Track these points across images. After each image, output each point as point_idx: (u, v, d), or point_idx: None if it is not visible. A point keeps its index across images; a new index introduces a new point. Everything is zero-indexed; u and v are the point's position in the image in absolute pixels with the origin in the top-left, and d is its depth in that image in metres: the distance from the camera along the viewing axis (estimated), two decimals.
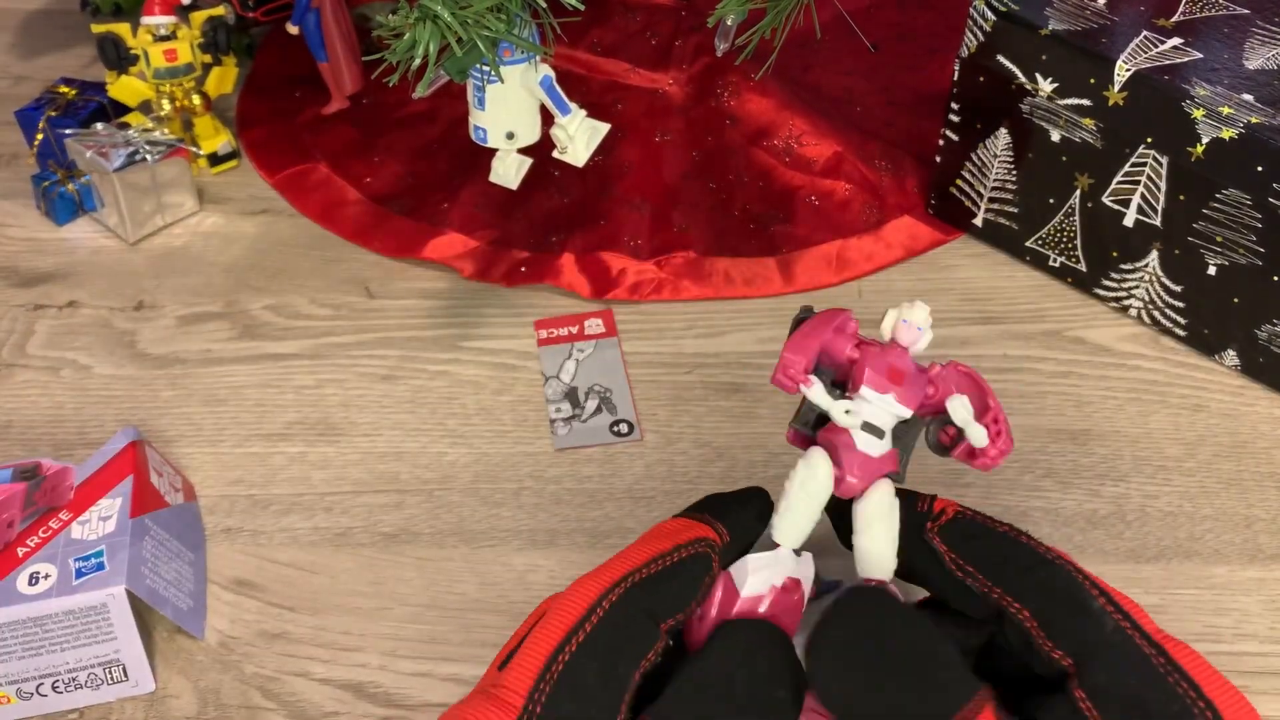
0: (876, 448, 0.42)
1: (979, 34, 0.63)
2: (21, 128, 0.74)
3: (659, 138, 0.74)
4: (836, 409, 0.42)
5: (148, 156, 0.68)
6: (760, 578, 0.40)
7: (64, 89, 0.75)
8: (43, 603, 0.47)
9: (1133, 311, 0.65)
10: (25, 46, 0.87)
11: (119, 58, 0.71)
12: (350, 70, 0.75)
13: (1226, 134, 0.57)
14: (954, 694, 0.35)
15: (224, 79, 0.74)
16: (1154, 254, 0.63)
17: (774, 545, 0.42)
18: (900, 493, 0.43)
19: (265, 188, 0.75)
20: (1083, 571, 0.39)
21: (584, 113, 0.58)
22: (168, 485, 0.55)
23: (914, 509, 0.43)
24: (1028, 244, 0.68)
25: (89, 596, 0.47)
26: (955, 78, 0.66)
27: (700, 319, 0.66)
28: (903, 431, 0.44)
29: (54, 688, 0.49)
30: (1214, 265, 0.60)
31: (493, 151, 0.60)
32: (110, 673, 0.49)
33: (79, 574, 0.48)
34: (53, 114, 0.72)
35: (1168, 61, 0.59)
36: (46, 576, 0.48)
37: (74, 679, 0.49)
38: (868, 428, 0.42)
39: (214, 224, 0.73)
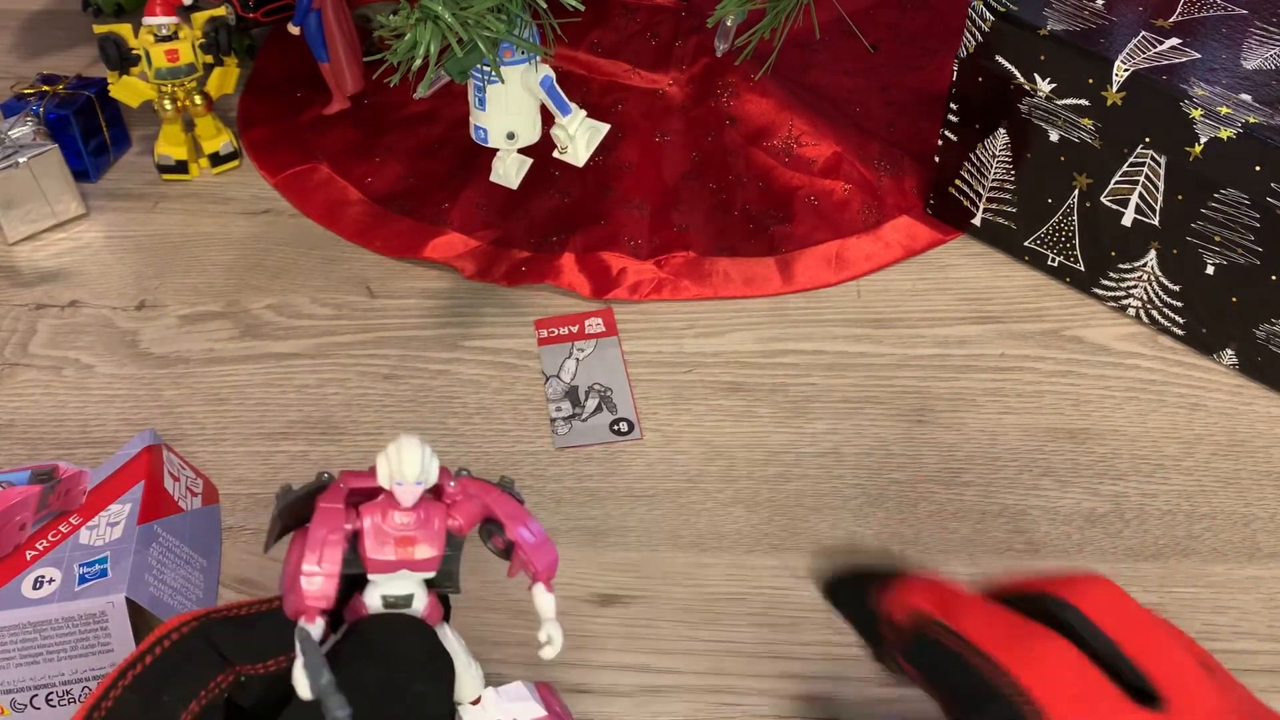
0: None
1: (978, 34, 0.63)
2: None
3: (659, 138, 0.74)
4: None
5: (19, 158, 0.69)
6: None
7: (45, 87, 0.75)
8: (44, 608, 0.47)
9: (1131, 311, 0.65)
10: (27, 47, 0.87)
11: (121, 58, 0.71)
12: (351, 70, 0.76)
13: (1225, 134, 0.57)
14: None
15: (225, 79, 0.74)
16: (1152, 253, 0.63)
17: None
18: (853, 579, 0.37)
19: (267, 188, 0.75)
20: (1033, 701, 0.32)
21: (584, 113, 0.58)
22: (184, 490, 0.55)
23: (864, 601, 0.36)
24: (1026, 244, 0.68)
25: (89, 603, 0.47)
26: (954, 78, 0.66)
27: (700, 318, 0.67)
28: (448, 560, 0.39)
29: (48, 700, 0.48)
30: (1212, 265, 0.61)
31: (493, 151, 0.61)
32: None
33: (82, 580, 0.48)
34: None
35: (1166, 62, 0.59)
36: (51, 581, 0.48)
37: (68, 692, 0.48)
38: (390, 602, 0.37)
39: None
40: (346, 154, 0.76)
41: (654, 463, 0.59)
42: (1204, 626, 0.52)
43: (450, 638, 0.38)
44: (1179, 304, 0.63)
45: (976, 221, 0.69)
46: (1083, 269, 0.66)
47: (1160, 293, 0.64)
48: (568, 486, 0.58)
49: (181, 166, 0.75)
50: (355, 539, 0.36)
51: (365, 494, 0.37)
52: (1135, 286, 0.64)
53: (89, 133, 0.75)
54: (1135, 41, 0.60)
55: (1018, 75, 0.63)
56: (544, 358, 0.64)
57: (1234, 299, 0.61)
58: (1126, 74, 0.59)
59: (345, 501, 0.37)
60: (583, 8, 0.51)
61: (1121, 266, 0.64)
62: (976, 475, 0.58)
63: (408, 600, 0.37)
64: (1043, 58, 0.61)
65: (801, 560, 0.55)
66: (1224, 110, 0.57)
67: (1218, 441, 0.60)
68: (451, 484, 0.38)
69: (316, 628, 0.34)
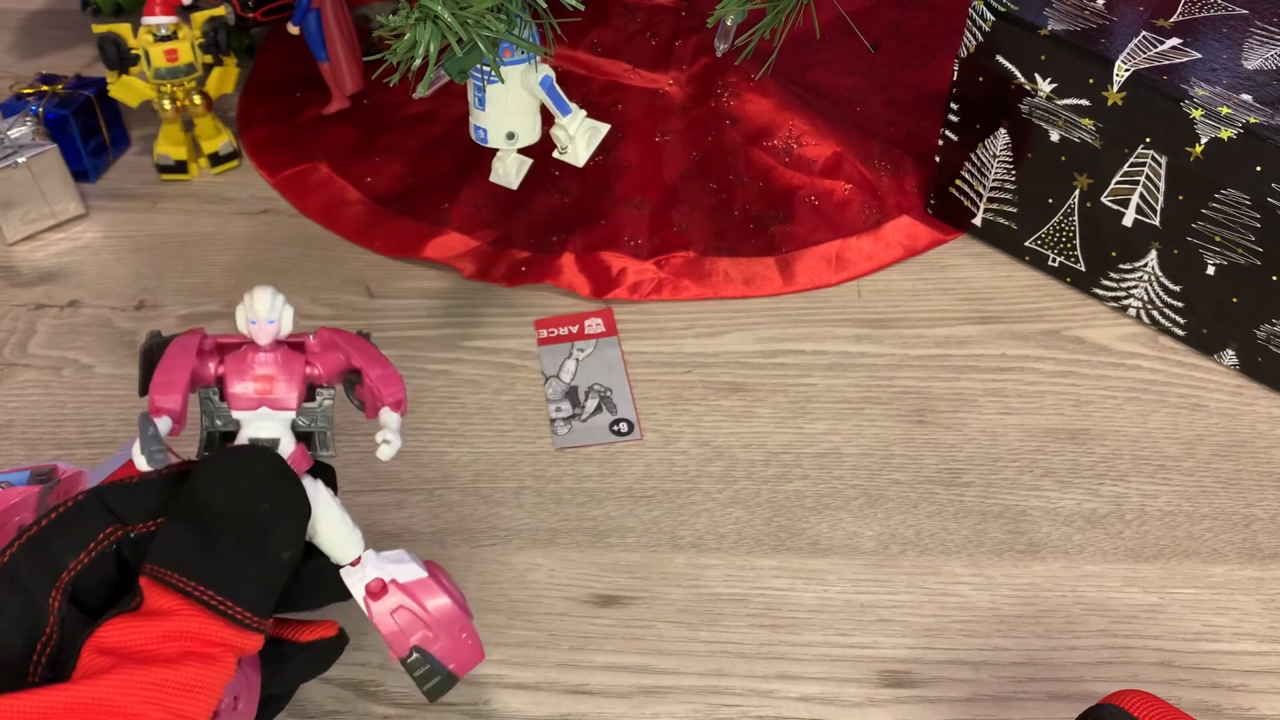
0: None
1: (978, 34, 0.63)
2: None
3: (659, 138, 0.74)
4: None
5: (18, 158, 0.69)
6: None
7: (44, 87, 0.75)
8: None
9: (1132, 311, 0.65)
10: (26, 46, 0.87)
11: (120, 58, 0.71)
12: (351, 70, 0.76)
13: (1225, 134, 0.57)
14: None
15: (225, 79, 0.74)
16: (1153, 254, 0.63)
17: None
18: None
19: (266, 187, 0.75)
20: None
21: (584, 113, 0.58)
22: None
23: None
24: (1027, 244, 0.68)
25: None
26: (955, 78, 0.66)
27: (700, 319, 0.66)
28: (312, 412, 0.42)
29: None
30: (1213, 265, 0.61)
31: (493, 151, 0.60)
32: None
33: None
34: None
35: (1167, 62, 0.59)
36: None
37: None
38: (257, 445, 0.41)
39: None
40: (346, 154, 0.75)
41: (653, 463, 0.59)
42: (1204, 628, 0.52)
43: (324, 495, 0.41)
44: (1180, 304, 0.63)
45: (977, 221, 0.69)
46: (1083, 269, 0.66)
47: (1161, 293, 0.63)
48: (567, 487, 0.58)
49: (181, 166, 0.75)
50: (221, 386, 0.41)
51: (231, 349, 0.41)
52: (1136, 287, 0.64)
53: (88, 133, 0.75)
54: (1136, 41, 0.60)
55: (1018, 75, 0.63)
56: (544, 358, 0.64)
57: (1234, 299, 0.61)
58: (1127, 74, 0.59)
59: (204, 343, 0.41)
60: (583, 7, 0.51)
61: (1122, 267, 0.64)
62: (977, 476, 0.58)
63: (273, 445, 0.40)
64: (1043, 58, 0.61)
65: (801, 561, 0.55)
66: (1225, 110, 0.57)
67: (1218, 442, 0.60)
68: (311, 338, 0.42)
69: (162, 423, 0.39)
